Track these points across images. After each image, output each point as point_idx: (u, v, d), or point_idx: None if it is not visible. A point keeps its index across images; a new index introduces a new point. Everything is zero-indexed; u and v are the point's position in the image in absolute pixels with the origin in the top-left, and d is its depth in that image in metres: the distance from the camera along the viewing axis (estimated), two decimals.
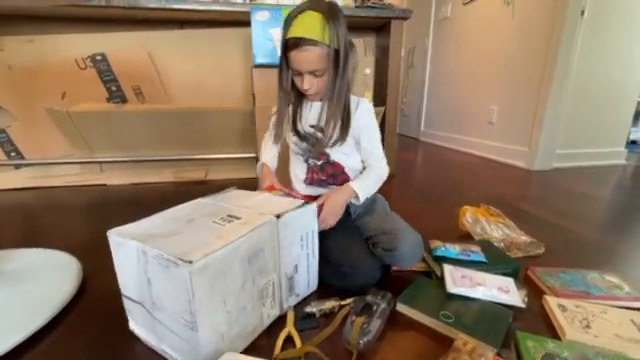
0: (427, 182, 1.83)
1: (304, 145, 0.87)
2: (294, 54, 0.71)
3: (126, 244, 0.54)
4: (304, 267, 0.70)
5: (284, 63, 0.77)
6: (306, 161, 0.89)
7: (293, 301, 0.70)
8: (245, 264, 0.55)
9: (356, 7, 1.58)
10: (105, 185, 1.70)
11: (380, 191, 0.90)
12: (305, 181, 0.91)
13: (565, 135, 2.04)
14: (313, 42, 0.69)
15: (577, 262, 0.90)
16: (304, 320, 0.66)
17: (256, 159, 1.51)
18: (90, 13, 1.49)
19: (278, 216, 0.61)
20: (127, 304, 0.61)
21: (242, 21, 1.51)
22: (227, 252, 0.51)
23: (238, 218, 0.60)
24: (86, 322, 0.67)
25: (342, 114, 0.80)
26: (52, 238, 1.08)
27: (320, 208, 0.74)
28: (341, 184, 0.87)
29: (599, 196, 1.55)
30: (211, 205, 0.69)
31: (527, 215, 1.27)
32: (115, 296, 0.61)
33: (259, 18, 1.28)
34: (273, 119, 0.90)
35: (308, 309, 0.68)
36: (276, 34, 1.30)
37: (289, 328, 0.63)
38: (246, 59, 1.70)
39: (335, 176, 0.89)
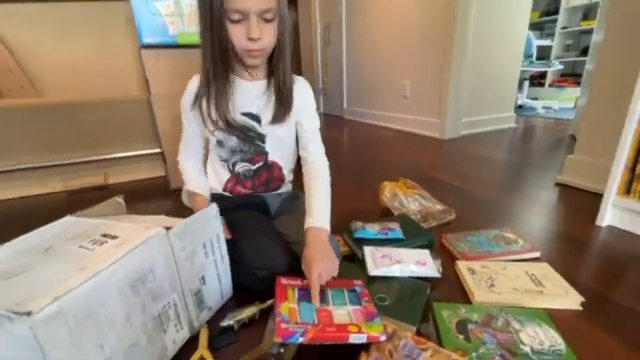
0: (352, 160, 1.86)
1: (232, 143, 0.72)
2: None
3: None
4: (213, 276, 0.62)
5: (214, 15, 0.59)
6: (231, 168, 0.75)
7: (206, 317, 0.62)
8: (127, 293, 0.45)
9: None
10: None
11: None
12: (225, 190, 0.78)
13: (467, 104, 2.24)
14: None
15: (482, 223, 0.98)
16: (221, 336, 0.59)
17: (162, 155, 1.33)
18: None
19: (168, 227, 0.51)
20: None
21: None
22: (92, 287, 0.40)
23: (114, 237, 0.48)
24: None
25: (287, 88, 0.70)
26: None
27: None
28: (272, 191, 0.79)
29: (496, 158, 1.75)
30: (83, 223, 0.56)
31: (440, 183, 1.36)
32: None
33: None
34: (187, 110, 0.72)
35: (224, 322, 0.60)
36: (164, 7, 1.11)
37: (201, 351, 0.55)
38: (133, 38, 1.45)
39: (268, 183, 0.78)
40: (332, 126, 3.05)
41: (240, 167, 0.75)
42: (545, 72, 3.78)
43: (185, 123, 0.76)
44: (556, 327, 0.56)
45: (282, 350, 0.52)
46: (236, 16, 0.59)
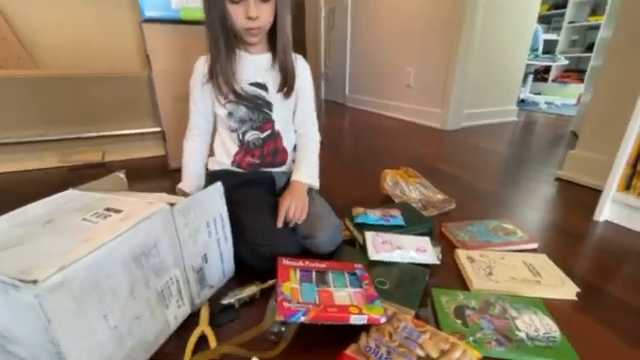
0: (353, 148, 1.85)
1: (241, 113, 0.75)
2: None
3: None
4: (215, 255, 0.62)
5: None
6: (241, 138, 0.77)
7: (207, 294, 0.62)
8: (131, 266, 0.45)
9: None
10: None
11: None
12: (233, 163, 0.80)
13: (470, 96, 2.22)
14: None
15: (481, 213, 0.99)
16: (222, 314, 0.60)
17: (162, 134, 1.31)
18: None
19: (172, 203, 0.51)
20: None
21: None
22: (98, 258, 0.40)
23: (118, 211, 0.48)
24: None
25: (289, 63, 0.74)
26: None
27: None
28: (279, 165, 0.81)
29: (497, 151, 1.75)
30: (85, 197, 0.55)
31: (441, 173, 1.36)
32: None
33: None
34: (197, 90, 0.75)
35: (225, 300, 0.61)
36: None
37: (202, 327, 0.55)
38: (134, 12, 1.41)
39: (275, 154, 0.80)
40: (334, 113, 3.02)
41: (250, 135, 0.77)
42: (549, 67, 3.75)
43: (192, 107, 0.78)
44: (551, 315, 0.57)
45: (283, 329, 0.53)
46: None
